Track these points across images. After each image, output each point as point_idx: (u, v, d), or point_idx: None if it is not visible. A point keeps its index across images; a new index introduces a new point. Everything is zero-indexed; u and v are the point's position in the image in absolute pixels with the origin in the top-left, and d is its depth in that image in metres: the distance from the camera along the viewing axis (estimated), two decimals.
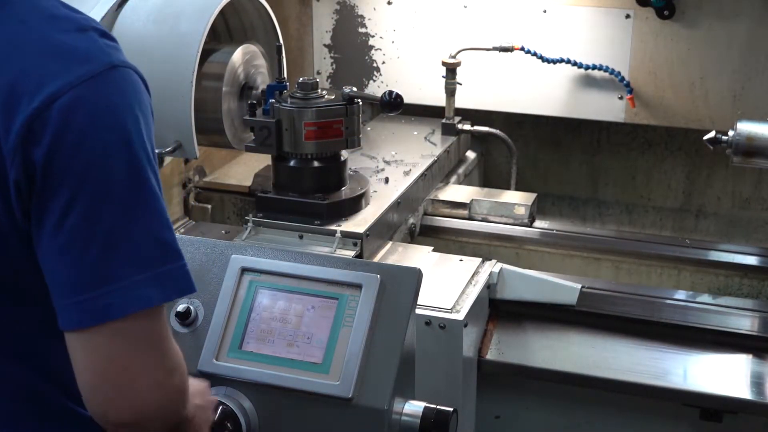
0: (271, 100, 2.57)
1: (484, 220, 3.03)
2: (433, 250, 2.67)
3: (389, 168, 2.96)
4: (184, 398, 1.45)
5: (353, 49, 3.51)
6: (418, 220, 2.99)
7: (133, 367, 1.35)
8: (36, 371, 1.47)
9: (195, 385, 1.69)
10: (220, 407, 1.81)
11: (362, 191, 2.64)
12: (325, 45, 3.54)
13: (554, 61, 3.23)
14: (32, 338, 1.46)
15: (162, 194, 1.40)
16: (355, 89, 2.54)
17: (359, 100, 2.56)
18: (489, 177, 3.64)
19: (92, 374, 1.36)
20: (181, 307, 1.92)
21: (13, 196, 1.34)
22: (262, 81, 2.79)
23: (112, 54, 1.39)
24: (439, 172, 3.13)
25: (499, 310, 2.58)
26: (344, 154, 2.63)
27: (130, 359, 1.35)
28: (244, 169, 3.04)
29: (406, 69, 3.46)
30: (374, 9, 3.45)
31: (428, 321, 2.32)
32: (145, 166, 1.36)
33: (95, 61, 1.35)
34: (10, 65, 1.34)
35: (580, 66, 3.22)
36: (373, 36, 3.48)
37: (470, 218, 3.03)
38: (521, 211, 3.02)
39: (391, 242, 2.70)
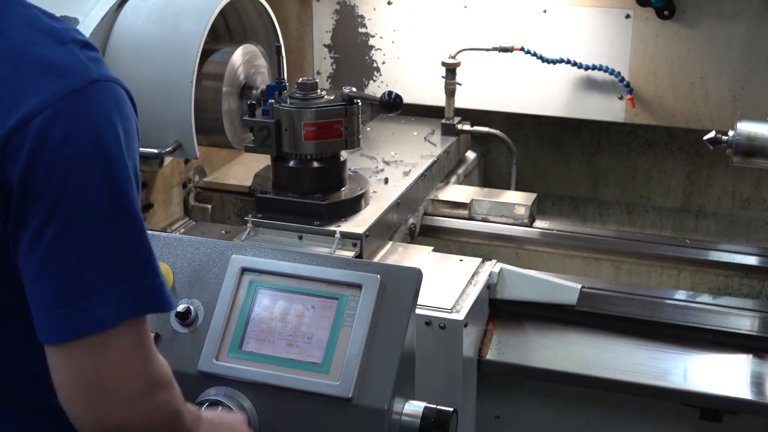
0: (270, 101, 2.57)
1: (484, 220, 3.03)
2: (433, 250, 2.67)
3: (389, 168, 2.96)
4: (173, 417, 1.47)
5: (353, 49, 3.51)
6: (418, 220, 2.99)
7: (109, 381, 1.37)
8: (24, 374, 1.47)
9: (226, 418, 1.72)
10: (220, 407, 1.81)
11: (362, 192, 2.64)
12: (325, 45, 3.54)
13: (554, 62, 3.23)
14: (21, 349, 1.45)
15: (139, 210, 1.39)
16: (354, 89, 2.54)
17: (359, 101, 2.56)
18: (489, 177, 3.64)
19: (70, 386, 1.37)
20: (181, 308, 1.92)
21: None
22: (262, 81, 2.79)
23: (92, 68, 1.36)
24: (438, 173, 3.13)
25: (499, 310, 2.58)
26: (344, 154, 2.63)
27: (106, 373, 1.37)
28: (244, 169, 3.04)
29: (406, 69, 3.46)
30: (374, 9, 3.45)
31: (428, 321, 2.32)
32: (123, 184, 1.35)
33: (74, 76, 1.33)
34: None
35: (580, 66, 3.22)
36: (373, 36, 3.48)
37: (470, 218, 3.03)
38: (521, 211, 3.02)
39: (391, 242, 2.69)
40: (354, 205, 2.61)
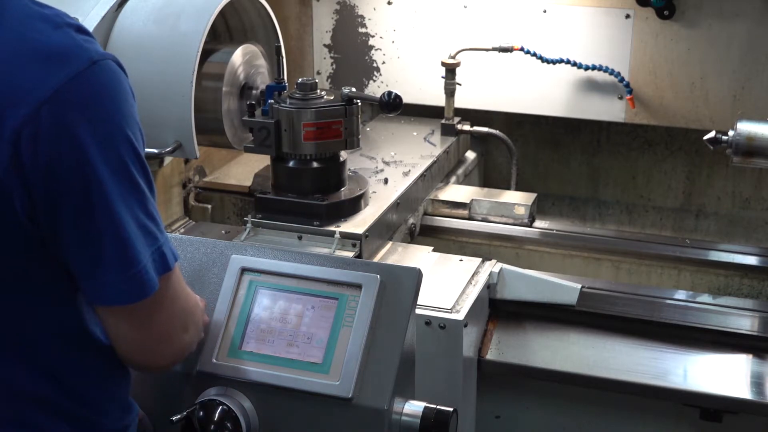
0: (270, 101, 2.57)
1: (484, 220, 3.03)
2: (433, 250, 2.67)
3: (389, 168, 2.96)
4: (202, 321, 1.76)
5: (353, 49, 3.51)
6: (418, 220, 2.99)
7: (162, 329, 1.57)
8: (41, 374, 1.48)
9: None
10: (220, 407, 1.81)
11: (361, 192, 2.64)
12: (325, 45, 3.54)
13: (554, 62, 3.23)
14: (33, 338, 1.46)
15: (151, 178, 1.50)
16: (354, 90, 2.54)
17: (358, 101, 2.56)
18: (489, 177, 3.64)
19: (137, 340, 1.54)
20: None
21: (16, 203, 1.35)
22: (262, 81, 2.79)
23: (90, 48, 1.40)
24: (438, 173, 3.13)
25: (499, 310, 2.58)
26: (343, 154, 2.63)
27: (167, 320, 1.57)
28: (244, 169, 3.04)
29: (406, 69, 3.46)
30: (374, 9, 3.45)
31: (428, 321, 2.32)
32: (127, 157, 1.43)
33: (76, 59, 1.36)
34: None
35: (580, 66, 3.22)
36: (373, 36, 3.48)
37: (470, 218, 3.03)
38: (521, 211, 3.02)
39: (390, 242, 2.69)
40: (354, 206, 2.61)
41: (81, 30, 1.43)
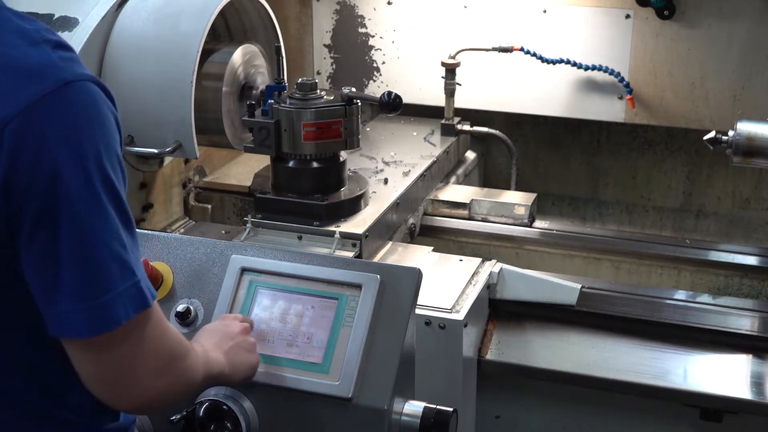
0: (270, 101, 2.57)
1: (484, 220, 3.03)
2: (433, 250, 2.67)
3: (388, 168, 2.96)
4: (191, 373, 1.56)
5: (353, 49, 3.51)
6: (417, 220, 2.99)
7: (131, 368, 1.42)
8: (28, 382, 1.47)
9: (213, 329, 1.77)
10: (220, 407, 1.81)
11: (361, 192, 2.64)
12: (325, 45, 3.54)
13: (554, 62, 3.23)
14: (21, 346, 1.45)
15: (126, 209, 1.40)
16: (354, 90, 2.54)
17: (358, 101, 2.55)
18: (489, 177, 3.64)
19: (96, 375, 1.42)
20: (181, 307, 1.92)
21: None
22: (262, 81, 2.79)
23: (66, 68, 1.34)
24: (438, 173, 3.13)
25: (499, 310, 2.58)
26: (343, 154, 2.63)
27: (129, 361, 1.41)
28: (244, 169, 3.04)
29: (406, 69, 3.46)
30: (374, 9, 3.45)
31: (428, 321, 2.32)
32: (97, 183, 1.34)
33: (47, 79, 1.32)
34: None
35: (579, 66, 3.22)
36: (373, 36, 3.48)
37: (470, 218, 3.03)
38: (521, 211, 3.02)
39: (390, 242, 2.69)
40: (353, 206, 2.61)
41: (62, 46, 1.38)
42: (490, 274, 2.53)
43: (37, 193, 1.31)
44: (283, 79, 2.65)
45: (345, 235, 2.49)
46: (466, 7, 3.33)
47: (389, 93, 2.58)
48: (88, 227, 1.34)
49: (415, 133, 3.33)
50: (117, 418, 1.59)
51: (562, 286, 2.55)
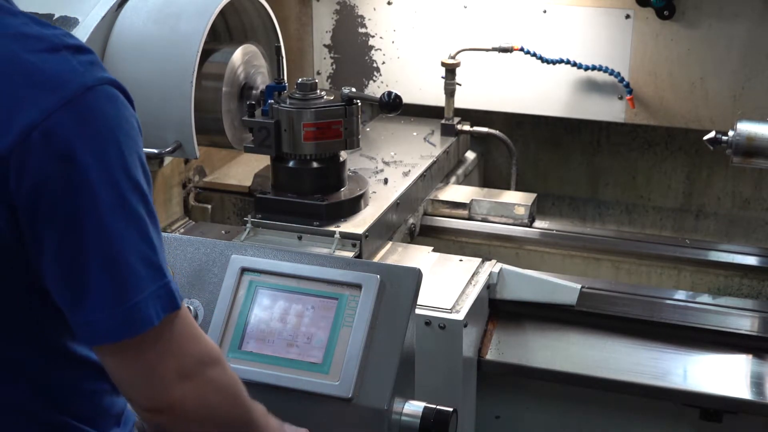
0: (270, 101, 2.57)
1: (484, 220, 3.03)
2: (433, 250, 2.67)
3: (388, 169, 2.96)
4: (227, 392, 1.53)
5: (353, 49, 3.51)
6: (417, 221, 2.99)
7: (160, 369, 1.42)
8: (29, 388, 1.47)
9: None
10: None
11: (361, 192, 2.64)
12: (325, 45, 3.54)
13: (554, 62, 3.23)
14: (23, 352, 1.45)
15: (153, 210, 1.41)
16: (354, 90, 2.54)
17: (358, 101, 2.56)
18: (489, 177, 3.64)
19: (130, 380, 1.43)
20: None
21: (2, 226, 1.32)
22: (262, 81, 2.79)
23: (86, 73, 1.35)
24: (438, 173, 3.13)
25: (499, 310, 2.58)
26: (343, 154, 2.63)
27: (157, 363, 1.42)
28: (244, 169, 3.04)
29: (406, 69, 3.46)
30: (374, 9, 3.45)
31: (428, 321, 2.32)
32: (124, 186, 1.35)
33: (68, 86, 1.32)
34: None
35: (579, 66, 3.22)
36: (373, 36, 3.48)
37: (470, 218, 3.03)
38: (521, 211, 3.02)
39: (390, 242, 2.69)
40: (353, 206, 2.61)
41: (81, 50, 1.38)
42: (490, 274, 2.53)
43: (63, 199, 1.31)
44: (283, 79, 2.65)
45: (345, 235, 2.49)
46: (466, 7, 3.33)
47: (389, 93, 2.58)
48: (115, 232, 1.34)
49: (415, 133, 3.33)
50: (118, 423, 1.59)
51: (561, 286, 2.55)
